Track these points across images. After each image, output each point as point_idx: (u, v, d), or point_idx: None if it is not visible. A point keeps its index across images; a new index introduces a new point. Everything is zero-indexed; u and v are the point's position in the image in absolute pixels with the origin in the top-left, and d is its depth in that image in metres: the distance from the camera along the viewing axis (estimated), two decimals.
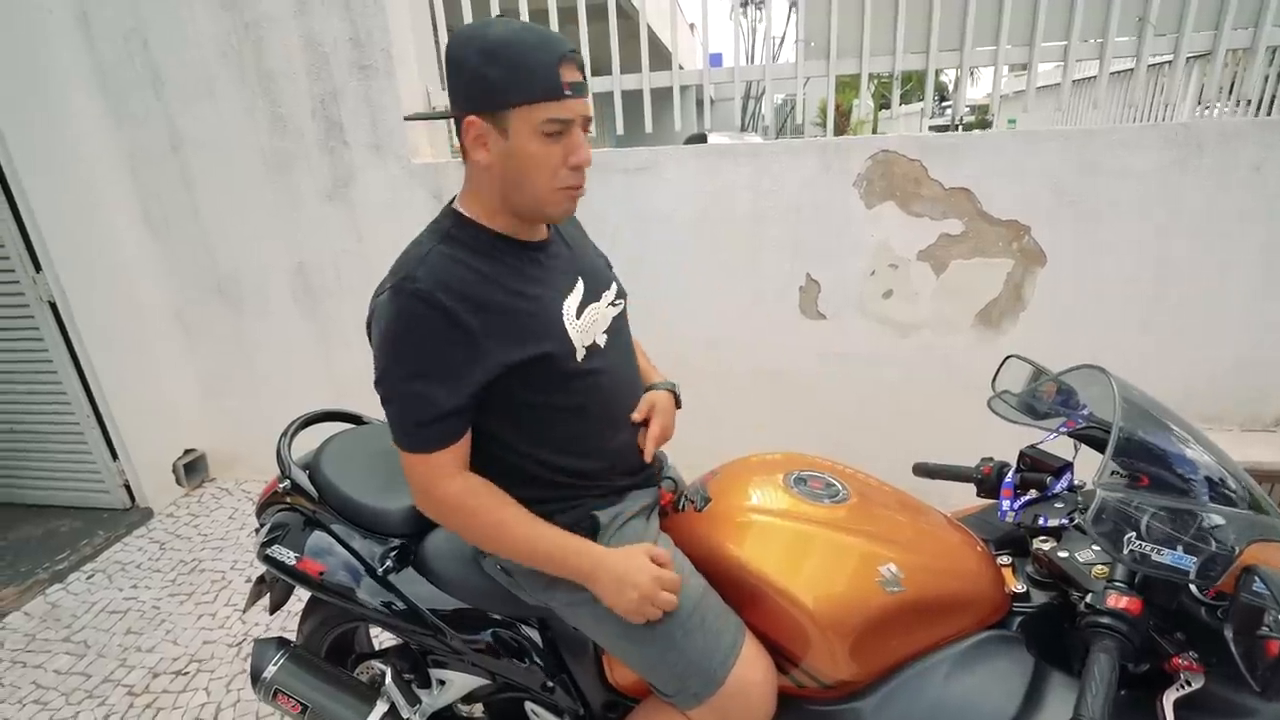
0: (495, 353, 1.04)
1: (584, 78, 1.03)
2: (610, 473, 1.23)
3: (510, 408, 1.11)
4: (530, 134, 1.00)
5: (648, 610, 1.08)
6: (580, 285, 1.18)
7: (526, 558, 1.12)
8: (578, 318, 1.14)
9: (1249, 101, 3.83)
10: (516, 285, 1.09)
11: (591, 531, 1.17)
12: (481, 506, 1.09)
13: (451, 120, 1.08)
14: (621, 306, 1.27)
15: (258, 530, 1.56)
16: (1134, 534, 0.90)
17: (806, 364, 2.76)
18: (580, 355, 1.13)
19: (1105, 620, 0.91)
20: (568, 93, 0.99)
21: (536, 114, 0.99)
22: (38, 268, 2.86)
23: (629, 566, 1.08)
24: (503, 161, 1.04)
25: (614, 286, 1.27)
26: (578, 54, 1.01)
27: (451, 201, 1.15)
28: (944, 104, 15.65)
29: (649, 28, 2.75)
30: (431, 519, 1.14)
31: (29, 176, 2.75)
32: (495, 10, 2.71)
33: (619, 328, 1.25)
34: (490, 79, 0.98)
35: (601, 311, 1.20)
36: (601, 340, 1.18)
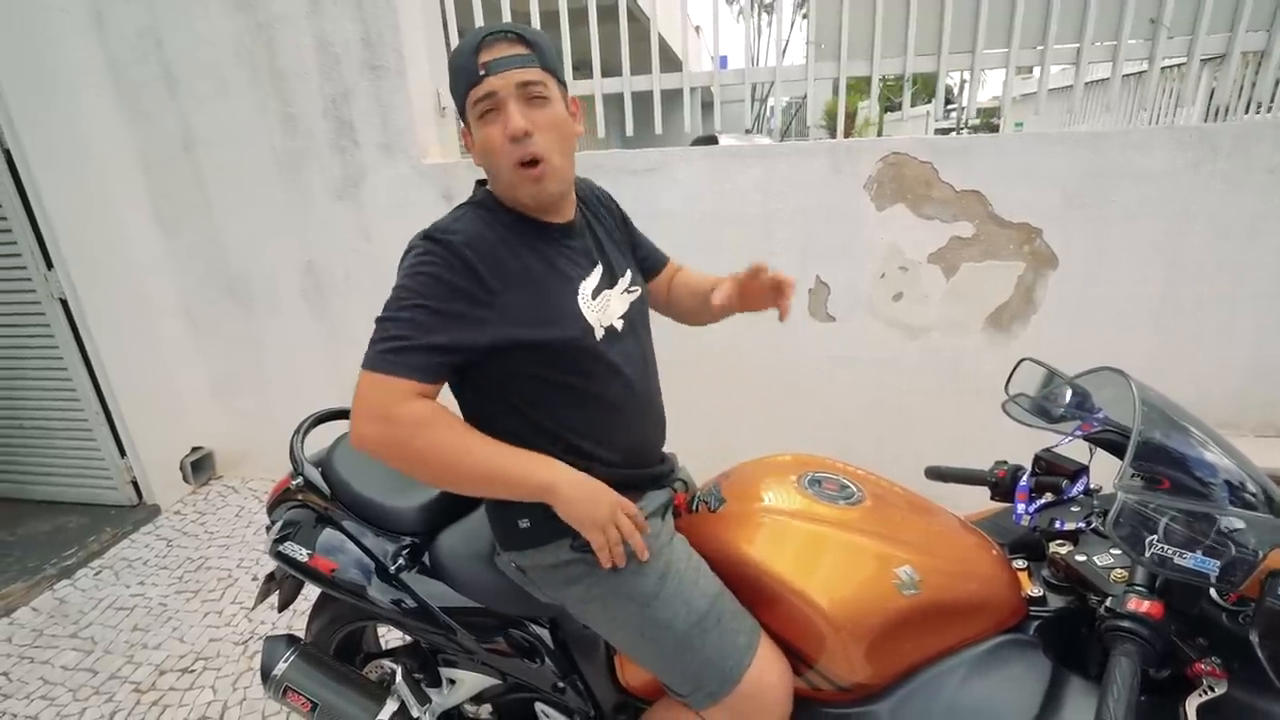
0: (507, 322, 1.06)
1: (526, 49, 1.05)
2: (625, 466, 1.22)
3: (532, 384, 1.12)
4: (475, 123, 1.08)
5: (611, 531, 1.07)
6: (598, 270, 1.20)
7: (491, 483, 1.06)
8: (593, 299, 1.16)
9: (1259, 105, 3.80)
10: (538, 263, 1.12)
11: None
12: (444, 427, 1.02)
13: None
14: (638, 293, 1.27)
15: (269, 527, 1.56)
16: (1155, 537, 0.90)
17: (815, 366, 2.75)
18: (599, 334, 1.14)
19: (1126, 624, 0.91)
20: (482, 72, 1.03)
21: (470, 101, 1.06)
22: (49, 265, 2.87)
23: (594, 486, 1.08)
24: (478, 156, 1.12)
25: (630, 274, 1.27)
26: (509, 32, 1.06)
27: (486, 184, 1.20)
28: (948, 107, 15.66)
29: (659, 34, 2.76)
30: (375, 451, 1.03)
31: (42, 174, 2.77)
32: (506, 11, 2.72)
33: (637, 317, 1.25)
34: (450, 89, 1.10)
35: (616, 298, 1.21)
36: (619, 325, 1.19)
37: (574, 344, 1.11)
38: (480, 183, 1.22)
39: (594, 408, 1.16)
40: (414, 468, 1.04)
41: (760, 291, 1.26)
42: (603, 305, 1.17)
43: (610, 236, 1.31)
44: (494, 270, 1.05)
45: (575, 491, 1.06)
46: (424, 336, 1.01)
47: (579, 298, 1.14)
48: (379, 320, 1.05)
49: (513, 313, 1.06)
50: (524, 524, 1.18)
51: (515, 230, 1.12)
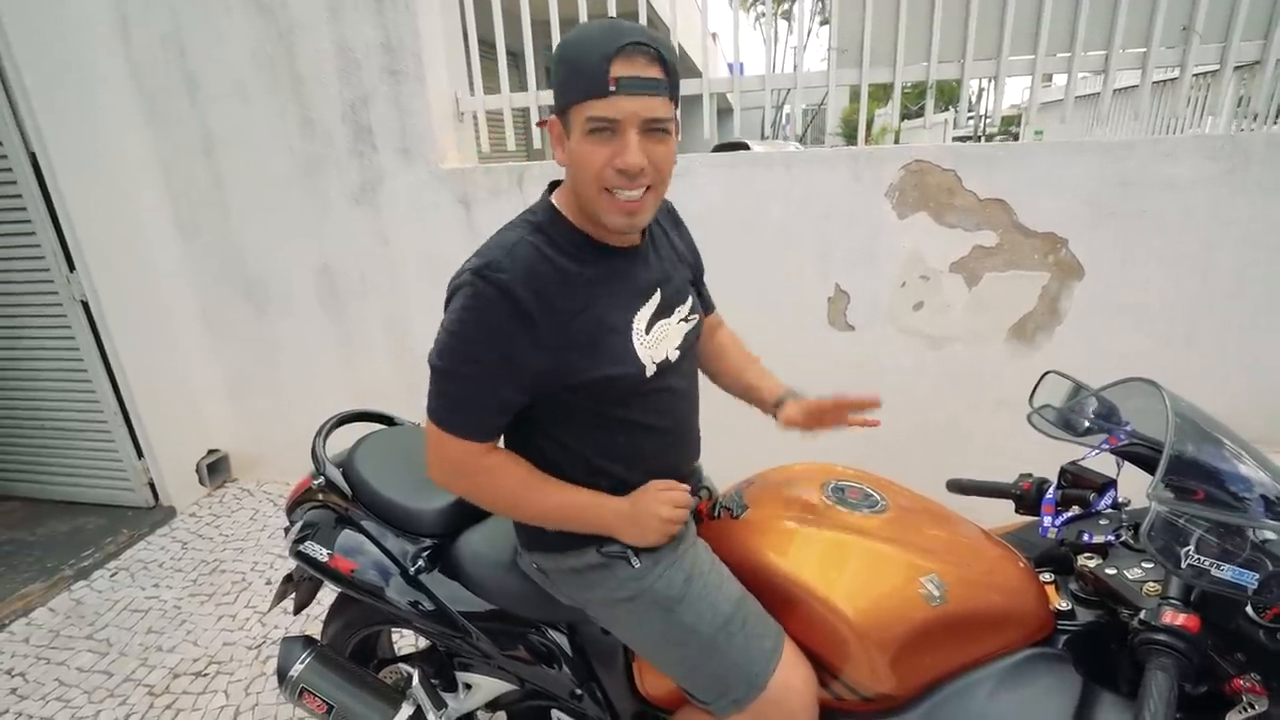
0: (557, 362, 1.03)
1: (662, 74, 0.96)
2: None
3: (573, 412, 1.10)
4: (580, 134, 0.97)
5: (673, 530, 1.12)
6: (656, 298, 1.14)
7: (552, 521, 1.15)
8: (647, 333, 1.11)
9: None
10: (594, 295, 1.06)
11: None
12: (511, 476, 1.10)
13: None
14: (695, 322, 1.22)
15: (288, 528, 1.56)
16: (1190, 549, 0.88)
17: (834, 376, 2.71)
18: (650, 371, 1.10)
19: (1161, 637, 0.89)
20: (612, 89, 0.92)
21: (584, 112, 0.96)
22: (71, 267, 2.90)
23: (639, 507, 1.11)
24: (569, 161, 1.03)
25: (689, 301, 1.22)
26: (649, 46, 0.94)
27: (550, 193, 1.14)
28: (967, 114, 15.63)
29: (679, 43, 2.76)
30: (447, 488, 1.13)
31: (66, 177, 2.80)
32: (526, 17, 2.73)
33: (688, 343, 1.20)
34: (557, 79, 0.99)
35: (672, 327, 1.16)
36: (674, 355, 1.15)
37: (622, 382, 1.08)
38: (553, 186, 1.15)
39: (631, 436, 1.14)
40: (483, 505, 1.15)
41: (829, 417, 1.29)
42: (658, 338, 1.13)
43: (675, 256, 1.25)
44: (546, 309, 1.00)
45: (632, 529, 1.11)
46: (480, 398, 1.04)
47: (633, 333, 1.09)
48: (435, 368, 1.04)
49: (562, 353, 1.03)
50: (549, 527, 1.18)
51: (573, 256, 1.06)
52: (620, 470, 1.14)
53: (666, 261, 1.21)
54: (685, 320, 1.19)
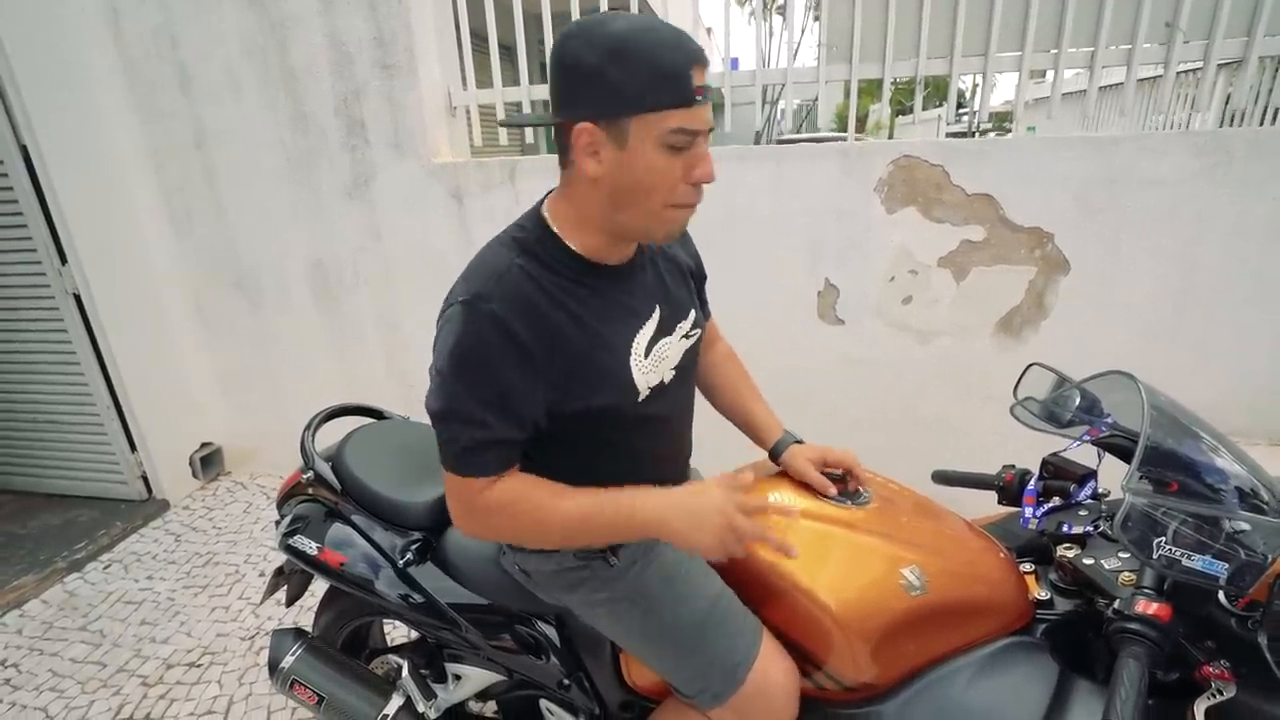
0: (554, 396, 0.99)
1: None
2: None
3: (560, 437, 1.05)
4: (653, 145, 0.89)
5: (730, 541, 0.96)
6: (656, 316, 1.09)
7: (590, 538, 1.05)
8: (645, 356, 1.06)
9: (1276, 110, 3.77)
10: (590, 319, 1.01)
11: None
12: (527, 498, 1.01)
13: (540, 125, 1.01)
14: (697, 336, 1.19)
15: (279, 521, 1.57)
16: (1163, 539, 0.90)
17: (823, 369, 2.74)
18: (643, 395, 1.06)
19: (1134, 626, 0.91)
20: (699, 99, 0.88)
21: (663, 123, 0.88)
22: (63, 260, 2.90)
23: (698, 503, 0.98)
24: (615, 174, 0.93)
25: (691, 315, 1.17)
26: (705, 55, 0.90)
27: (541, 202, 1.06)
28: (960, 110, 15.67)
29: None
30: (480, 537, 1.06)
31: (57, 170, 2.79)
32: (518, 11, 2.73)
33: (689, 360, 1.17)
34: (612, 81, 0.86)
35: (673, 346, 1.12)
36: (669, 377, 1.11)
37: (613, 409, 1.04)
38: (538, 210, 1.06)
39: (620, 458, 1.11)
40: (518, 541, 1.13)
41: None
42: (657, 360, 1.08)
43: (675, 267, 1.19)
44: (537, 336, 0.95)
45: (684, 522, 0.97)
46: (492, 434, 0.96)
47: (630, 357, 1.04)
48: (436, 413, 0.97)
49: (558, 381, 0.98)
50: None
51: (566, 277, 1.00)
52: None
53: (665, 275, 1.16)
54: (687, 336, 1.15)
